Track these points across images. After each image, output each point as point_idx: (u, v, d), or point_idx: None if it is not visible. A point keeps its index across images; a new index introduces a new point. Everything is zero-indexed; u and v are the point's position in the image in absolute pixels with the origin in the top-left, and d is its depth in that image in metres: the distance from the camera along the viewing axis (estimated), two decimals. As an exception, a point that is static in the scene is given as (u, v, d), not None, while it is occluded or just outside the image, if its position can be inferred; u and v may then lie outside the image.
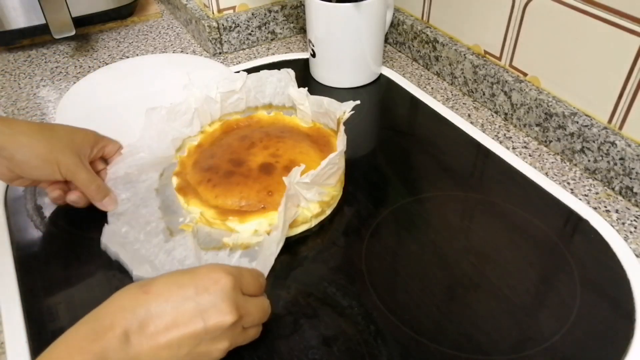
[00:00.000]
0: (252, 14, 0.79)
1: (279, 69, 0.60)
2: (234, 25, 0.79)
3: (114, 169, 0.51)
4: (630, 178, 0.51)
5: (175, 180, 0.51)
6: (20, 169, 0.45)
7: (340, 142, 0.49)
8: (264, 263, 0.44)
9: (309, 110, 0.58)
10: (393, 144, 0.61)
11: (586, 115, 0.56)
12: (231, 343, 0.34)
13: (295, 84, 0.59)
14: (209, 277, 0.33)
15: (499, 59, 0.64)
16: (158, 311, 0.31)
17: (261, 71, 0.61)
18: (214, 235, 0.47)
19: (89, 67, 0.77)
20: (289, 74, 0.60)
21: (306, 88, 0.58)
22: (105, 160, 0.52)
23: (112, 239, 0.45)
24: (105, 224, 0.47)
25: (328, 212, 0.50)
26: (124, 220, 0.47)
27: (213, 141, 0.55)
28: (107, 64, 0.77)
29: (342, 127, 0.51)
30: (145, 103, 0.60)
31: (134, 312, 0.31)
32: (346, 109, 0.53)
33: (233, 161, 0.52)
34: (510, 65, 0.63)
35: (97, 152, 0.50)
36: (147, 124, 0.54)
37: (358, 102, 0.54)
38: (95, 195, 0.47)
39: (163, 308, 0.31)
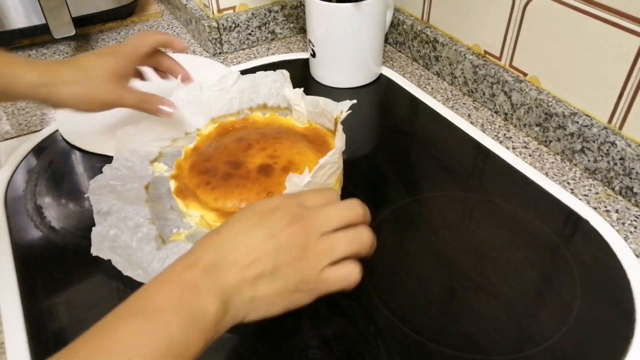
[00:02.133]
0: (252, 14, 0.79)
1: (277, 70, 0.60)
2: (234, 25, 0.79)
3: (96, 184, 0.49)
4: (630, 178, 0.51)
5: (173, 184, 0.51)
6: (72, 109, 0.49)
7: (339, 141, 0.49)
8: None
9: (304, 110, 0.58)
10: (393, 144, 0.61)
11: (586, 115, 0.56)
12: (309, 253, 0.34)
13: (290, 85, 0.59)
14: (268, 204, 0.36)
15: (499, 59, 0.64)
16: (233, 243, 0.34)
17: (256, 72, 0.61)
18: None
19: (89, 67, 0.77)
20: (283, 74, 0.60)
21: (302, 89, 0.58)
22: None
23: (102, 246, 0.44)
24: (93, 228, 0.45)
25: (328, 212, 0.50)
26: (111, 221, 0.46)
27: (209, 143, 0.55)
28: (107, 64, 0.77)
29: (340, 126, 0.51)
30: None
31: (215, 247, 0.33)
32: (343, 108, 0.53)
33: (231, 163, 0.52)
34: (510, 65, 0.63)
35: (137, 61, 0.52)
36: (119, 146, 0.53)
37: (354, 101, 0.54)
38: (149, 108, 0.51)
39: (237, 239, 0.34)
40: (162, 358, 0.28)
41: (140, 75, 0.57)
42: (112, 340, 0.28)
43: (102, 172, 0.51)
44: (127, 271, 0.42)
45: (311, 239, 0.34)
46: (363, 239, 0.35)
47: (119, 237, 0.46)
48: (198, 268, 0.32)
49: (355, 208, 0.36)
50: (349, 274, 0.35)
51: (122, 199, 0.48)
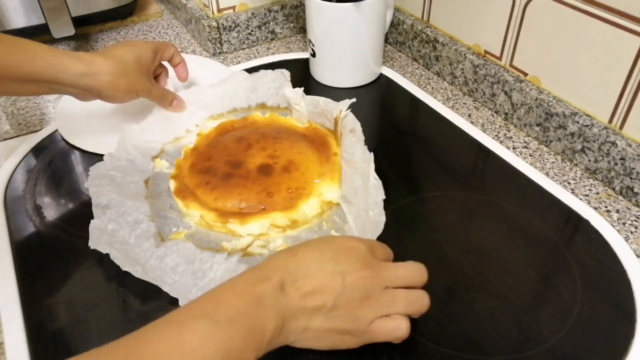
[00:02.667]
0: (252, 14, 0.79)
1: (277, 69, 0.60)
2: (233, 25, 0.79)
3: (96, 172, 0.50)
4: (631, 178, 0.51)
5: (172, 184, 0.51)
6: (107, 100, 0.55)
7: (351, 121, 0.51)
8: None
9: (304, 110, 0.58)
10: (393, 144, 0.61)
11: (587, 115, 0.56)
12: (370, 302, 0.36)
13: (290, 85, 0.59)
14: (345, 244, 0.38)
15: (500, 58, 0.64)
16: (305, 269, 0.35)
17: (256, 72, 0.61)
18: (212, 238, 0.47)
19: (89, 67, 0.77)
20: (283, 74, 0.60)
21: (302, 88, 0.58)
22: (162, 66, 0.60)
23: (100, 239, 0.44)
24: (91, 221, 0.46)
25: (328, 212, 0.50)
26: (109, 215, 0.46)
27: (209, 143, 0.55)
28: (107, 63, 0.77)
29: (345, 119, 0.52)
30: (145, 103, 0.60)
31: (286, 269, 0.35)
32: (342, 107, 0.53)
33: (230, 163, 0.52)
34: (511, 65, 0.63)
35: (161, 58, 0.58)
36: (121, 140, 0.54)
37: (354, 100, 0.54)
38: (164, 103, 0.58)
39: (309, 268, 0.36)
40: None
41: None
42: (180, 336, 0.29)
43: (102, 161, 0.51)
44: (125, 266, 0.42)
45: (375, 289, 0.36)
46: (423, 303, 0.38)
47: (117, 232, 0.45)
48: (268, 285, 0.34)
49: (421, 273, 0.39)
50: (397, 328, 0.36)
51: (121, 192, 0.48)
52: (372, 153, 0.49)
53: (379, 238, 0.46)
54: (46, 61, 0.49)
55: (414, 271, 0.39)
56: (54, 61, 0.49)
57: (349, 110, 0.53)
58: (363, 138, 0.51)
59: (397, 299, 0.37)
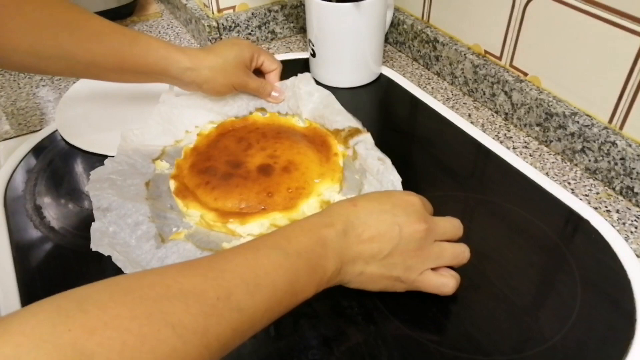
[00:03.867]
0: (252, 14, 0.79)
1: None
2: (233, 25, 0.79)
3: (96, 175, 0.50)
4: (631, 178, 0.51)
5: (172, 184, 0.51)
6: (207, 92, 0.58)
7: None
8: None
9: (311, 104, 0.59)
10: (393, 144, 0.61)
11: (587, 115, 0.56)
12: (423, 253, 0.40)
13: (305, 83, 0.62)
14: (402, 198, 0.41)
15: (500, 58, 0.64)
16: (365, 219, 0.39)
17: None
18: (212, 238, 0.47)
19: (89, 66, 0.77)
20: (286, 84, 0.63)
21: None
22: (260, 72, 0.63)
23: (102, 241, 0.44)
24: (92, 223, 0.46)
25: (328, 212, 0.50)
26: (110, 218, 0.46)
27: (209, 143, 0.55)
28: (106, 63, 0.77)
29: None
30: (145, 103, 0.60)
31: (348, 217, 0.38)
32: (351, 125, 0.56)
33: (230, 163, 0.52)
34: (511, 65, 0.63)
35: (255, 63, 0.61)
36: (122, 144, 0.55)
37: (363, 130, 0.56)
38: (262, 93, 0.61)
39: (369, 217, 0.39)
40: (285, 290, 0.34)
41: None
42: (256, 260, 0.33)
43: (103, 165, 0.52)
44: (127, 269, 0.42)
45: (427, 242, 0.40)
46: (465, 256, 0.42)
47: (118, 234, 0.46)
48: (332, 230, 0.37)
49: (460, 227, 0.42)
50: (445, 285, 0.41)
51: (122, 194, 0.49)
52: (399, 178, 0.50)
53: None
54: (159, 54, 0.53)
55: (455, 226, 0.42)
56: (165, 54, 0.53)
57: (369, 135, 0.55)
58: (395, 171, 0.51)
59: (444, 252, 0.41)
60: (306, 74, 0.63)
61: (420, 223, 0.39)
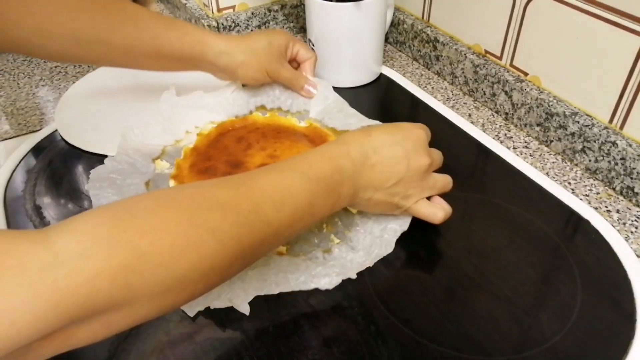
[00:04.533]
0: (252, 14, 0.79)
1: None
2: (233, 25, 0.79)
3: (96, 174, 0.50)
4: (632, 178, 0.51)
5: (172, 184, 0.51)
6: (240, 79, 0.59)
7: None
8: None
9: (322, 106, 0.60)
10: (393, 144, 0.61)
11: (587, 115, 0.55)
12: (422, 184, 0.45)
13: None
14: (412, 131, 0.45)
15: (500, 58, 0.64)
16: (378, 149, 0.42)
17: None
18: None
19: (88, 66, 0.76)
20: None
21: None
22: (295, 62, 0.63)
23: None
24: None
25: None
26: None
27: (209, 143, 0.55)
28: (106, 63, 0.77)
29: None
30: (144, 102, 0.60)
31: (362, 146, 0.42)
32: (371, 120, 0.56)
33: (230, 163, 0.52)
34: (511, 64, 0.63)
35: (290, 52, 0.60)
36: (122, 143, 0.54)
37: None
38: (296, 85, 0.61)
39: (382, 148, 0.42)
40: (305, 209, 0.37)
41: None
42: (282, 180, 0.37)
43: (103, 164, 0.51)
44: None
45: (426, 174, 0.45)
46: (450, 185, 0.48)
47: None
48: (348, 158, 0.41)
49: (442, 157, 0.48)
50: (435, 214, 0.46)
51: (121, 194, 0.48)
52: None
53: (379, 238, 0.46)
54: (195, 38, 0.53)
55: (441, 157, 0.47)
56: (201, 38, 0.53)
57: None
58: None
59: (437, 183, 0.46)
60: (328, 83, 0.62)
61: (425, 157, 0.44)
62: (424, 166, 0.44)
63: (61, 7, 0.48)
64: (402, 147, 0.43)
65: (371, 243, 0.46)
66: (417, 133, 0.45)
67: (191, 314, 0.41)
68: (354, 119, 0.57)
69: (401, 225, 0.47)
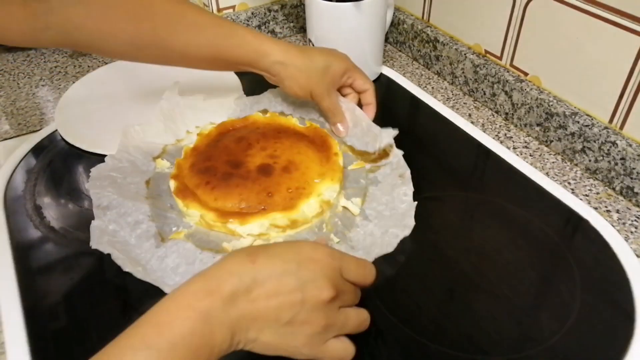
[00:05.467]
0: (252, 13, 0.79)
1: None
2: (233, 25, 0.79)
3: (97, 172, 0.50)
4: (631, 178, 0.51)
5: (172, 184, 0.51)
6: (285, 89, 0.57)
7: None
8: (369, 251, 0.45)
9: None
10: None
11: (587, 115, 0.56)
12: (327, 322, 0.34)
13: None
14: (311, 257, 0.35)
15: (500, 58, 0.64)
16: (262, 280, 0.33)
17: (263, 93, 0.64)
18: (212, 238, 0.47)
19: (88, 66, 0.77)
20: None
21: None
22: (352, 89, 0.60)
23: (101, 239, 0.44)
24: (92, 221, 0.46)
25: (328, 212, 0.50)
26: (110, 216, 0.47)
27: (209, 143, 0.55)
28: (106, 63, 0.77)
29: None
30: (144, 103, 0.60)
31: (240, 278, 0.33)
32: (389, 139, 0.55)
33: (231, 163, 0.52)
34: (511, 64, 0.63)
35: (346, 80, 0.58)
36: (123, 141, 0.55)
37: (397, 131, 0.56)
38: (331, 118, 0.58)
39: (267, 279, 0.33)
40: None
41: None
42: None
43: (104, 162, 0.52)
44: (126, 267, 0.43)
45: (332, 310, 0.35)
46: (367, 323, 0.37)
47: (118, 232, 0.46)
48: (217, 298, 0.31)
49: (372, 275, 0.38)
50: (346, 351, 0.35)
51: (122, 193, 0.49)
52: (415, 202, 0.49)
53: (379, 238, 0.46)
54: (252, 46, 0.53)
55: (356, 292, 0.37)
56: (257, 46, 0.53)
57: (401, 152, 0.55)
58: (411, 183, 0.51)
59: (349, 321, 0.36)
60: (393, 132, 0.57)
61: (327, 289, 0.34)
62: (324, 299, 0.34)
63: (123, 13, 0.48)
64: (296, 278, 0.34)
65: (371, 243, 0.46)
66: (317, 259, 0.35)
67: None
68: (370, 137, 0.56)
69: (403, 229, 0.47)
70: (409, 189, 0.50)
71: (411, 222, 0.47)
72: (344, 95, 0.60)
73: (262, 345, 0.33)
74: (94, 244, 0.44)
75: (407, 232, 0.47)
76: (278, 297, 0.33)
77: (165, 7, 0.50)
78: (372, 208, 0.50)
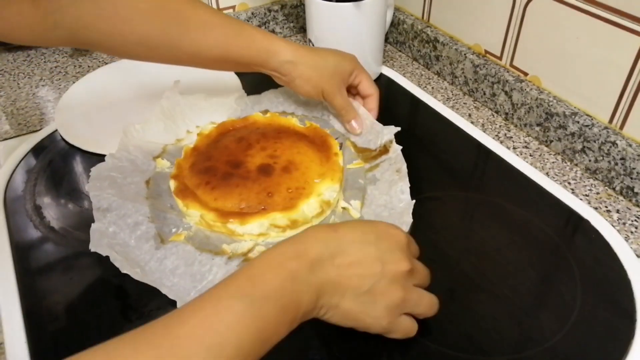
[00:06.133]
0: (252, 13, 0.79)
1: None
2: (233, 25, 0.79)
3: (97, 172, 0.50)
4: (631, 178, 0.51)
5: (172, 184, 0.51)
6: (295, 89, 0.57)
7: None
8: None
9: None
10: (393, 144, 0.61)
11: (587, 115, 0.56)
12: (404, 296, 0.36)
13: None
14: (388, 232, 0.37)
15: (500, 58, 0.64)
16: (345, 248, 0.35)
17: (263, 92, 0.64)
18: (212, 240, 0.47)
19: (89, 66, 0.77)
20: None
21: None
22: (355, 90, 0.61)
23: (101, 242, 0.44)
24: (92, 224, 0.46)
25: (328, 212, 0.50)
26: (110, 218, 0.47)
27: (209, 143, 0.55)
28: (106, 63, 0.77)
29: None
30: (145, 103, 0.60)
31: (326, 244, 0.34)
32: (390, 135, 0.55)
33: (231, 163, 0.52)
34: (511, 64, 0.63)
35: (353, 80, 0.59)
36: (123, 139, 0.55)
37: (399, 128, 0.56)
38: (344, 116, 0.58)
39: (350, 246, 0.35)
40: (254, 340, 0.30)
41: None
42: (217, 316, 0.30)
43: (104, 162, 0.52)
44: (124, 269, 0.42)
45: (408, 284, 0.36)
46: (437, 308, 0.39)
47: (118, 234, 0.46)
48: (304, 260, 0.33)
49: (428, 273, 0.40)
50: (411, 330, 0.38)
51: (122, 194, 0.49)
52: (414, 201, 0.49)
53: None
54: (262, 46, 0.53)
55: (427, 272, 0.40)
56: (268, 47, 0.53)
57: (399, 147, 0.54)
58: (407, 179, 0.51)
59: (422, 299, 0.38)
60: (395, 128, 0.57)
61: (405, 262, 0.36)
62: (402, 273, 0.36)
63: (134, 13, 0.48)
64: (376, 248, 0.35)
65: None
66: (393, 234, 0.37)
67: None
68: (372, 135, 0.57)
69: (401, 227, 0.47)
70: (405, 184, 0.50)
71: (409, 220, 0.47)
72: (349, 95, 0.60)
73: (343, 312, 0.35)
74: (93, 247, 0.44)
75: (405, 229, 0.47)
76: (360, 265, 0.34)
77: (176, 7, 0.50)
78: (372, 210, 0.50)
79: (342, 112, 0.58)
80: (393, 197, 0.50)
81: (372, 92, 0.59)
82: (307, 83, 0.55)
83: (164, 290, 0.42)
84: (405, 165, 0.52)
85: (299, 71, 0.54)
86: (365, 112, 0.59)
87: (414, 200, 0.49)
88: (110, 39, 0.49)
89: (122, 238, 0.45)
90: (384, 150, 0.55)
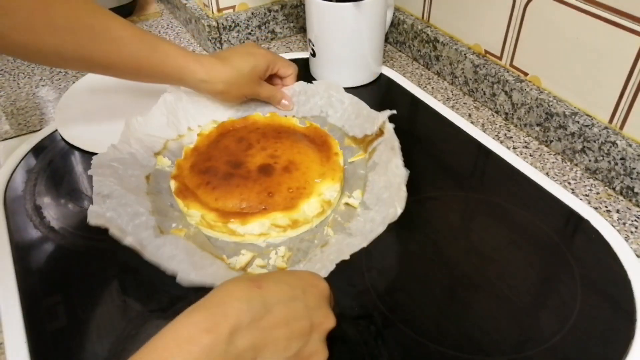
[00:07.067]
0: (252, 14, 0.79)
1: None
2: (233, 25, 0.79)
3: (98, 161, 0.50)
4: (631, 178, 0.51)
5: (173, 184, 0.51)
6: (220, 100, 0.60)
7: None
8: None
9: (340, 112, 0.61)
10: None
11: (587, 115, 0.56)
12: (327, 354, 0.34)
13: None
14: (312, 282, 0.35)
15: (500, 58, 0.64)
16: (271, 307, 0.31)
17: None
18: (213, 242, 0.47)
19: (89, 66, 0.77)
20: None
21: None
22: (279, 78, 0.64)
23: (97, 221, 0.44)
24: (90, 205, 0.45)
25: (328, 212, 0.50)
26: (110, 204, 0.45)
27: (209, 143, 0.55)
28: (106, 63, 0.77)
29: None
30: (145, 103, 0.60)
31: (249, 304, 0.31)
32: (384, 117, 0.56)
33: (231, 163, 0.52)
34: (511, 64, 0.63)
35: (270, 72, 0.62)
36: (125, 132, 0.55)
37: (394, 111, 0.56)
38: (273, 102, 0.63)
39: (276, 305, 0.32)
40: None
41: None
42: None
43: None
44: (125, 240, 0.43)
45: (321, 341, 0.34)
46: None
47: (115, 220, 0.45)
48: (221, 330, 0.29)
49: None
50: None
51: (123, 185, 0.48)
52: (408, 171, 0.50)
53: (379, 237, 0.46)
54: (176, 64, 0.54)
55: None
56: (182, 64, 0.54)
57: (392, 126, 0.55)
58: (401, 154, 0.52)
59: (323, 352, 0.35)
60: (339, 86, 0.62)
61: (331, 318, 0.34)
62: (329, 328, 0.34)
63: (47, 26, 0.48)
64: (304, 304, 0.33)
65: (370, 230, 0.46)
66: (319, 285, 0.35)
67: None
68: (369, 123, 0.57)
69: (400, 202, 0.48)
70: (399, 159, 0.51)
71: (404, 194, 0.48)
72: (273, 85, 0.63)
73: None
74: (91, 220, 0.44)
75: (402, 204, 0.48)
76: (288, 325, 0.32)
77: (89, 22, 0.50)
78: (373, 195, 0.50)
79: (271, 99, 0.62)
80: (390, 175, 0.50)
81: (290, 73, 0.63)
82: (227, 96, 0.59)
83: (163, 267, 0.42)
84: (397, 141, 0.53)
85: (217, 89, 0.57)
86: (362, 104, 0.60)
87: (408, 171, 0.50)
88: (25, 50, 0.49)
89: (120, 224, 0.44)
90: (380, 133, 0.55)
